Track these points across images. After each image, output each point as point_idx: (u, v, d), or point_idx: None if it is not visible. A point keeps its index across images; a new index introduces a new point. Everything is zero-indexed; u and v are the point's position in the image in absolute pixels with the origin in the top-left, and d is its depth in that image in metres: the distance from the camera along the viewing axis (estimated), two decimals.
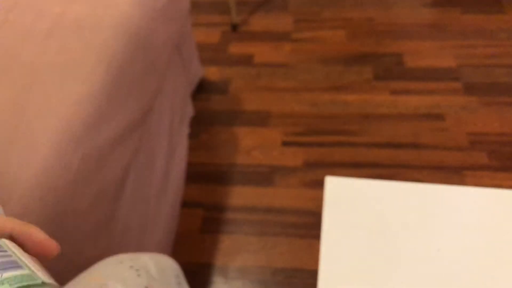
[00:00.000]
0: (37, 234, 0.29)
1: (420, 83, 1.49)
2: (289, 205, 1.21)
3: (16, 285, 0.23)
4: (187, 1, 1.19)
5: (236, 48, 1.72)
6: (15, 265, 0.25)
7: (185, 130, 1.28)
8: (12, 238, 0.29)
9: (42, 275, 0.25)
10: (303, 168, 1.30)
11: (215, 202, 1.25)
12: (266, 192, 1.25)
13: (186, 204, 1.23)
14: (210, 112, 1.50)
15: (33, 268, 0.25)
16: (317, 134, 1.39)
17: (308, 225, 1.15)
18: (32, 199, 0.59)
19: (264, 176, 1.29)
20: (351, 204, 0.53)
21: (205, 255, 1.13)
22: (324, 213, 0.52)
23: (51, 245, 0.30)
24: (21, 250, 0.27)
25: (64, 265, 0.56)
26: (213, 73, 1.63)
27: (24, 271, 0.25)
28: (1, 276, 0.23)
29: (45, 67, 0.73)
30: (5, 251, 0.26)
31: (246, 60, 1.66)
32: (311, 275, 1.07)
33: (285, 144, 1.37)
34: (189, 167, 1.29)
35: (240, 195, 1.25)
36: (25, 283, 0.24)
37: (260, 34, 1.77)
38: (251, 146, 1.37)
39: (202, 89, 1.56)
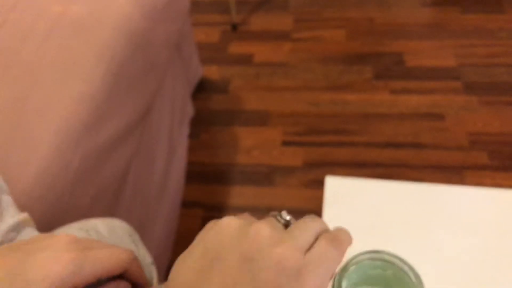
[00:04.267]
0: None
1: (420, 83, 1.49)
2: (289, 205, 1.21)
3: None
4: (187, 1, 1.19)
5: (236, 48, 1.72)
6: None
7: (185, 130, 1.28)
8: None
9: None
10: (303, 168, 1.29)
11: (215, 202, 1.25)
12: (266, 192, 1.25)
13: (186, 204, 1.23)
14: (210, 112, 1.50)
15: None
16: (317, 134, 1.39)
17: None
18: (32, 198, 0.59)
19: (264, 176, 1.29)
20: (351, 204, 0.52)
21: None
22: (324, 213, 0.52)
23: None
24: None
25: None
26: (213, 72, 1.63)
27: None
28: None
29: (45, 66, 0.73)
30: None
31: (246, 60, 1.66)
32: None
33: (285, 144, 1.37)
34: (189, 167, 1.29)
35: (240, 195, 1.25)
36: None
37: (260, 33, 1.77)
38: (251, 146, 1.37)
39: (202, 89, 1.56)
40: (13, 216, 0.43)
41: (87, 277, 0.30)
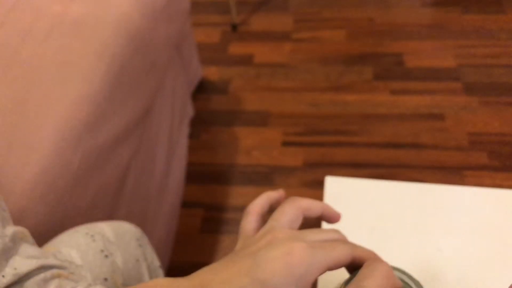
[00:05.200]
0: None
1: (420, 83, 1.49)
2: None
3: None
4: (187, 1, 1.19)
5: (236, 48, 1.72)
6: None
7: (185, 130, 1.28)
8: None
9: None
10: (303, 168, 1.29)
11: (215, 202, 1.25)
12: None
13: (186, 204, 1.23)
14: (210, 112, 1.50)
15: None
16: (317, 134, 1.39)
17: (308, 225, 1.15)
18: (32, 198, 0.59)
19: (264, 176, 1.29)
20: (351, 204, 0.52)
21: (205, 255, 1.13)
22: None
23: None
24: None
25: None
26: (213, 73, 1.63)
27: None
28: None
29: (45, 66, 0.73)
30: None
31: (246, 60, 1.66)
32: None
33: (285, 144, 1.37)
34: (189, 167, 1.29)
35: (240, 195, 1.25)
36: None
37: (260, 34, 1.77)
38: (251, 146, 1.37)
39: (202, 89, 1.56)
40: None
41: (321, 271, 0.29)
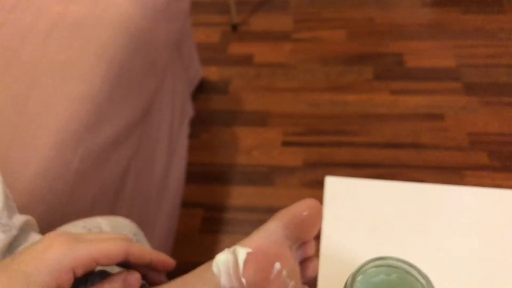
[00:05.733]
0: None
1: (420, 83, 1.49)
2: (289, 205, 1.21)
3: None
4: (187, 1, 1.19)
5: (236, 48, 1.72)
6: None
7: (185, 130, 1.28)
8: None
9: None
10: (303, 168, 1.29)
11: (215, 202, 1.25)
12: (266, 192, 1.25)
13: (186, 204, 1.23)
14: (210, 112, 1.50)
15: None
16: (317, 134, 1.39)
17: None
18: (31, 198, 0.59)
19: (264, 176, 1.29)
20: (351, 204, 0.52)
21: (205, 255, 1.13)
22: (324, 213, 0.52)
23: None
24: None
25: None
26: (213, 73, 1.63)
27: None
28: None
29: (45, 66, 0.73)
30: None
31: (246, 60, 1.66)
32: None
33: (285, 144, 1.37)
34: (189, 167, 1.29)
35: (240, 195, 1.25)
36: None
37: (260, 34, 1.77)
38: (251, 146, 1.37)
39: (202, 89, 1.56)
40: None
41: (83, 258, 0.29)
